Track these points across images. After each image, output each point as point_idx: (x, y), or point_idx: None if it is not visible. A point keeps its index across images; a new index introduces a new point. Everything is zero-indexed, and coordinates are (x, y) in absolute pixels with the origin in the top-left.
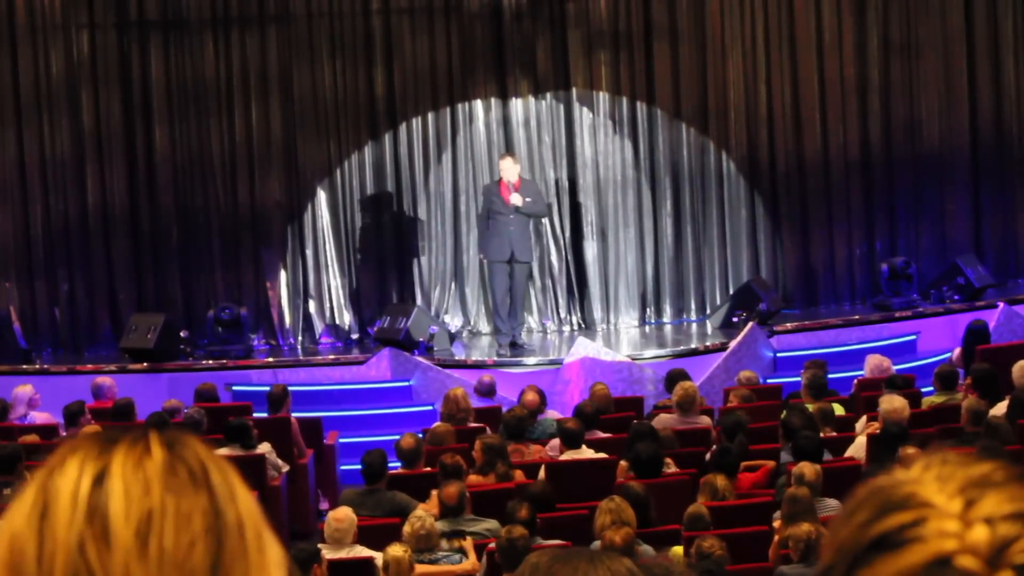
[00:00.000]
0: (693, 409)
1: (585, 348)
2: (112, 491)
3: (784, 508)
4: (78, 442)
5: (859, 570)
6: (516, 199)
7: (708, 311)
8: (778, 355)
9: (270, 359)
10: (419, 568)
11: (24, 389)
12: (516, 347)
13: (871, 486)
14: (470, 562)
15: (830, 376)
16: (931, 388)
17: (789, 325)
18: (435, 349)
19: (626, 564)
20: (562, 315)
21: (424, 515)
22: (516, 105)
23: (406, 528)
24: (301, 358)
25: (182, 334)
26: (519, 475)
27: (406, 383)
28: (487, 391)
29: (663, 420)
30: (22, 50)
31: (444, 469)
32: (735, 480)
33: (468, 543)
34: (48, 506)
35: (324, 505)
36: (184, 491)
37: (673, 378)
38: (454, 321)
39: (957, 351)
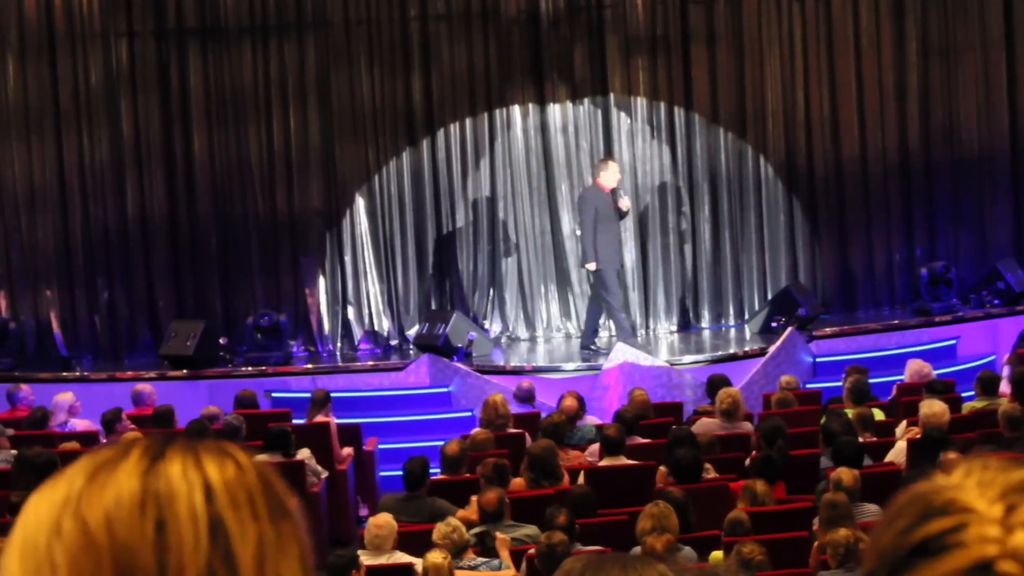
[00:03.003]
0: (737, 416)
1: (624, 354)
2: (225, 510)
3: (822, 513)
4: (156, 442)
5: None
6: (625, 203)
7: (747, 316)
8: (817, 360)
9: (309, 366)
10: (459, 575)
11: (65, 396)
12: (591, 351)
13: (911, 492)
14: (510, 571)
15: (869, 381)
16: (972, 393)
17: (828, 330)
18: (474, 355)
19: (659, 569)
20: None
21: (456, 523)
22: (554, 111)
23: (436, 533)
24: (340, 364)
25: (221, 341)
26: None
27: (445, 389)
28: (526, 397)
29: (705, 424)
30: (61, 59)
31: (493, 472)
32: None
33: (500, 540)
34: (165, 517)
35: (364, 511)
36: (277, 516)
37: (714, 384)
38: (493, 327)
39: (1008, 356)
